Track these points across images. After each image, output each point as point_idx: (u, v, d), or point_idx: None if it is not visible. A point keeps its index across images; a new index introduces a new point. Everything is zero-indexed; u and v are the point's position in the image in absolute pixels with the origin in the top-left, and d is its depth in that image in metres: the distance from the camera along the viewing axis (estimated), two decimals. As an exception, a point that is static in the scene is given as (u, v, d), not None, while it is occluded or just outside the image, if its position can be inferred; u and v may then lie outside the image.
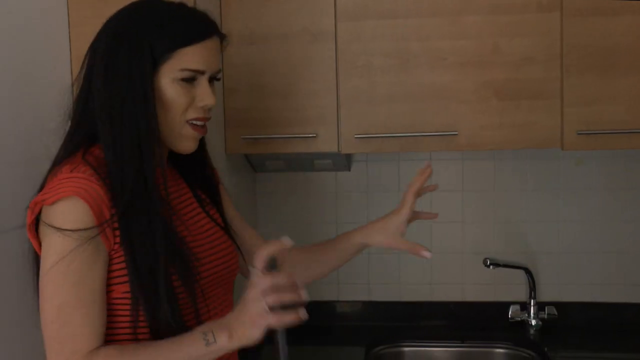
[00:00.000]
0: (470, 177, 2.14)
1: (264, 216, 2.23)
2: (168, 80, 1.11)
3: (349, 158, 2.12)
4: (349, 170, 2.17)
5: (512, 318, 2.08)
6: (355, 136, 1.80)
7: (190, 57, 1.11)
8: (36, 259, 1.12)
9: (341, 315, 2.21)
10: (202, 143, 1.25)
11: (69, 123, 1.16)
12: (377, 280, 2.20)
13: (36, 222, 1.09)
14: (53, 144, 1.51)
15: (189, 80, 1.12)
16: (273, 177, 2.20)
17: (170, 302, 1.07)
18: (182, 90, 1.11)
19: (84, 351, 1.03)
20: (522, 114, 1.76)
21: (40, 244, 1.08)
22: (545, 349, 1.94)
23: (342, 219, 2.20)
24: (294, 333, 2.20)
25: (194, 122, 1.14)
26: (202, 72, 1.13)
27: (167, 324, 1.07)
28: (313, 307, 2.20)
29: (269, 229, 2.23)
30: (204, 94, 1.13)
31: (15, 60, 1.38)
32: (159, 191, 1.11)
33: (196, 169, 1.27)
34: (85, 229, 1.03)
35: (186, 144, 1.16)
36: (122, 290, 1.08)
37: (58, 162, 1.12)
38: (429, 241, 2.16)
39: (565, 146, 1.75)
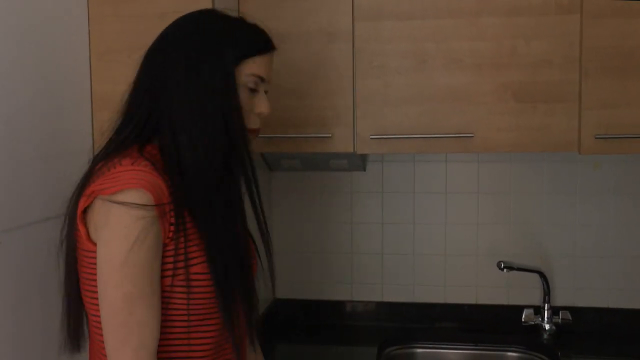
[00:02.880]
0: (485, 179, 2.13)
1: (279, 215, 2.23)
2: (237, 87, 1.16)
3: (364, 158, 2.12)
4: (364, 170, 2.17)
5: (525, 322, 2.07)
6: (371, 137, 1.80)
7: (257, 66, 1.17)
8: (68, 246, 1.14)
9: (354, 315, 2.21)
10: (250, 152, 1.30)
11: (119, 120, 1.18)
12: (391, 281, 2.20)
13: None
14: (72, 140, 1.54)
15: (253, 87, 1.18)
16: (288, 176, 2.21)
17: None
18: (247, 95, 1.17)
19: (150, 348, 1.05)
20: (539, 117, 1.75)
21: (87, 232, 1.09)
22: (559, 354, 1.93)
23: (356, 219, 2.20)
24: (307, 332, 2.21)
25: (252, 127, 1.20)
26: (264, 80, 1.19)
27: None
28: (326, 306, 2.24)
29: (284, 228, 2.23)
30: (262, 101, 1.20)
31: (34, 57, 1.40)
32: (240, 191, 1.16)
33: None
34: (150, 205, 1.04)
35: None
36: (165, 284, 1.08)
37: (105, 157, 1.13)
38: (443, 243, 2.16)
39: (582, 150, 1.73)
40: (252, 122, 1.20)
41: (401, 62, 1.79)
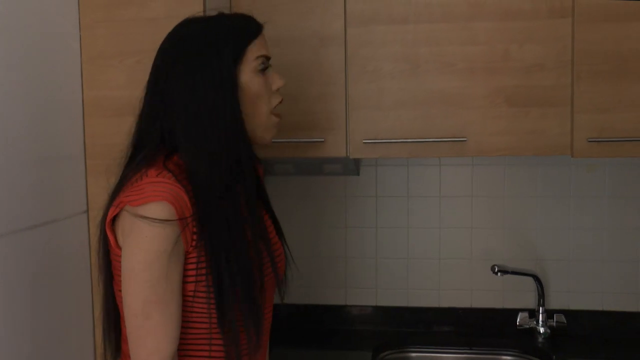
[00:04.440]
0: (479, 182, 2.13)
1: (273, 219, 2.22)
2: (249, 76, 1.20)
3: (358, 162, 2.12)
4: (358, 174, 2.16)
5: (520, 325, 2.06)
6: (364, 141, 1.80)
7: (258, 47, 1.22)
8: (105, 252, 1.19)
9: (349, 319, 2.21)
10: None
11: (137, 130, 1.22)
12: (385, 286, 2.19)
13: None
14: (63, 145, 1.53)
15: (263, 69, 1.23)
16: (282, 181, 2.20)
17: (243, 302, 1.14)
18: (262, 79, 1.23)
19: (165, 352, 1.10)
20: (532, 121, 1.75)
21: (115, 239, 1.15)
22: (554, 357, 1.93)
23: (351, 223, 2.19)
24: (302, 336, 2.19)
25: (275, 110, 1.26)
26: (269, 58, 1.25)
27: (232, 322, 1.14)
28: (321, 311, 2.23)
29: (278, 232, 2.23)
30: (275, 78, 1.26)
31: (25, 62, 1.40)
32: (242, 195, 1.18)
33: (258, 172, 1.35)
34: (171, 220, 1.09)
35: (271, 134, 1.27)
36: (188, 289, 1.15)
37: (138, 168, 1.16)
38: (437, 247, 2.16)
39: (575, 154, 1.73)
40: (274, 100, 1.26)
41: (394, 67, 1.79)
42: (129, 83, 1.57)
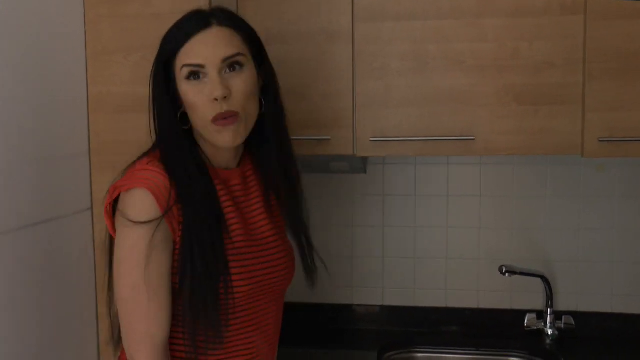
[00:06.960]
0: (488, 182, 2.10)
1: (279, 217, 2.21)
2: (181, 83, 1.18)
3: (365, 161, 2.10)
4: (365, 172, 2.14)
5: (528, 327, 2.04)
6: (371, 139, 1.78)
7: (186, 55, 1.16)
8: (111, 240, 1.20)
9: (355, 319, 2.19)
10: (285, 147, 1.30)
11: None
12: (392, 285, 2.17)
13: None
14: (68, 141, 1.52)
15: (195, 77, 1.16)
16: (288, 178, 2.19)
17: (211, 300, 1.14)
18: (192, 88, 1.17)
19: (156, 337, 1.11)
20: (542, 120, 1.73)
21: (114, 227, 1.17)
22: (562, 359, 1.90)
23: (357, 222, 2.18)
24: (308, 335, 2.18)
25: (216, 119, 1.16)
26: (202, 66, 1.15)
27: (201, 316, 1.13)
28: (327, 310, 2.22)
29: (284, 230, 2.21)
30: (211, 86, 1.14)
31: (30, 58, 1.39)
32: (214, 193, 1.18)
33: (274, 173, 1.30)
34: (149, 221, 1.10)
35: (221, 139, 1.17)
36: (173, 280, 1.15)
37: (143, 156, 1.21)
38: (444, 246, 2.14)
39: (585, 153, 1.71)
40: (212, 110, 1.15)
41: (402, 64, 1.77)
42: (133, 79, 1.56)
